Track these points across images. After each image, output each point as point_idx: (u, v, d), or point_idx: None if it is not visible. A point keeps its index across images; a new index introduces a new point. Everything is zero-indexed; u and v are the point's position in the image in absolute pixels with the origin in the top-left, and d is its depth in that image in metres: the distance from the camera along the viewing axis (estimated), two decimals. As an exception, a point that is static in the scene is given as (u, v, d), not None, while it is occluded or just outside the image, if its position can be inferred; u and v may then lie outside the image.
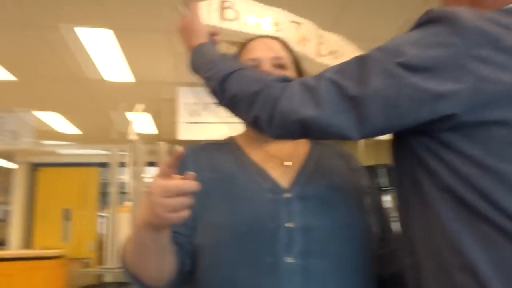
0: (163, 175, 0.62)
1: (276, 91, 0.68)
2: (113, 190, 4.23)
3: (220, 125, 3.08)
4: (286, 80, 0.71)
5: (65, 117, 5.13)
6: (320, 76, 0.66)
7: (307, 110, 0.63)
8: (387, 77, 0.59)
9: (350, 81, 0.62)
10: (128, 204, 3.95)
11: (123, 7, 2.67)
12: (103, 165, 5.17)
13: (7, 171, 6.73)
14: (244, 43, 0.94)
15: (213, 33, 0.95)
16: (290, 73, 0.88)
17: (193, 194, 0.62)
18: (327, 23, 3.10)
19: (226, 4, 1.70)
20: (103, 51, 3.30)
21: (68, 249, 5.47)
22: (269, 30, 1.83)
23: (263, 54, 0.88)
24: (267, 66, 0.86)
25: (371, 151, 3.86)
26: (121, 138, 3.85)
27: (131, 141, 3.68)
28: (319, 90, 0.63)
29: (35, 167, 6.58)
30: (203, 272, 0.78)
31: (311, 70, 0.86)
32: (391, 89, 0.58)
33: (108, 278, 3.92)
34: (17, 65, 3.53)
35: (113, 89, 4.13)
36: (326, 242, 0.75)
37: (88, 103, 4.62)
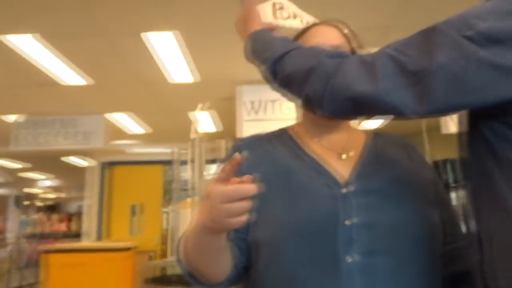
0: (222, 179, 0.60)
1: (330, 67, 0.65)
2: (176, 186, 4.40)
3: (282, 122, 3.10)
4: (341, 56, 0.68)
5: (137, 117, 5.38)
6: (379, 52, 0.63)
7: (361, 86, 0.61)
8: (454, 51, 0.54)
9: (412, 56, 0.58)
10: (189, 200, 4.09)
11: (190, 7, 2.77)
12: (168, 162, 5.38)
13: (82, 169, 7.26)
14: (303, 29, 0.91)
15: (271, 28, 0.94)
16: None
17: (253, 197, 0.59)
18: (386, 21, 3.01)
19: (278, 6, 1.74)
20: (170, 53, 3.42)
21: (135, 243, 5.76)
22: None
23: (322, 41, 0.85)
24: None
25: (438, 146, 3.63)
26: (186, 136, 3.99)
27: (193, 140, 3.81)
28: (376, 66, 0.60)
29: (107, 165, 7.00)
30: (261, 269, 0.75)
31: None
32: (458, 64, 0.54)
33: (170, 271, 4.08)
34: (92, 70, 3.79)
35: (180, 90, 4.29)
36: (391, 239, 0.70)
37: (157, 104, 4.83)
